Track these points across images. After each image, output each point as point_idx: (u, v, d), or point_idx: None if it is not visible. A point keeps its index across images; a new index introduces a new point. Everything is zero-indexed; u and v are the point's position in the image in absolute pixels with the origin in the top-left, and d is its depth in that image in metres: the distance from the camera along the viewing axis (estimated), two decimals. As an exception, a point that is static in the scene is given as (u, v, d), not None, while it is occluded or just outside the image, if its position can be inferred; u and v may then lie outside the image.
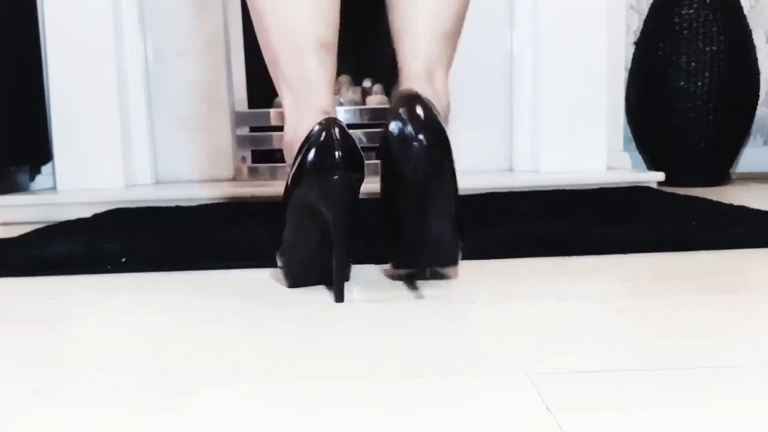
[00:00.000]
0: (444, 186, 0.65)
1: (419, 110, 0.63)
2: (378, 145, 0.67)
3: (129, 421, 0.40)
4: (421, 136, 0.62)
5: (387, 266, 0.80)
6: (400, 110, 0.63)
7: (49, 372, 0.49)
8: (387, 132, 0.64)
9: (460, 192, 0.68)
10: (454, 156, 0.65)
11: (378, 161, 0.68)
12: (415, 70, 0.70)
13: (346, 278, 0.72)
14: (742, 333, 0.52)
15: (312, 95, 0.69)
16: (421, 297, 0.66)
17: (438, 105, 0.67)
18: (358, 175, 0.64)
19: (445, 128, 0.65)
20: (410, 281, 0.73)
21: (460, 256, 0.70)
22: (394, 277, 0.75)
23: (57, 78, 1.51)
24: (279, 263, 0.72)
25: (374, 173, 1.38)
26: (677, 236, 0.88)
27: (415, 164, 0.62)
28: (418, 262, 0.69)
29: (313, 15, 0.69)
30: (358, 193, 0.66)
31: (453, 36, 0.73)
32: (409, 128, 0.62)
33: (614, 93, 1.66)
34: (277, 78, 0.72)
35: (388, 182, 0.68)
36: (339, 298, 0.65)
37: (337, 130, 0.64)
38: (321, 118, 0.66)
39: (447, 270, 0.75)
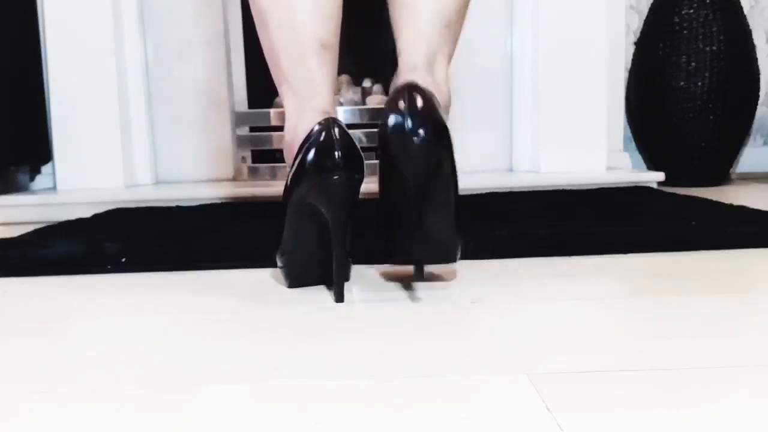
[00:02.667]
0: (444, 181, 0.64)
1: (419, 102, 0.62)
2: (377, 140, 0.66)
3: (129, 421, 0.40)
4: (420, 131, 0.61)
5: (386, 267, 0.80)
6: (399, 102, 0.62)
7: (49, 372, 0.49)
8: (385, 125, 0.63)
9: (460, 192, 0.68)
10: (455, 152, 0.64)
11: (377, 160, 0.68)
12: (415, 59, 0.68)
13: (346, 278, 0.72)
14: (742, 333, 0.52)
15: (312, 95, 0.69)
16: (420, 297, 0.66)
17: (438, 95, 0.66)
18: (358, 175, 0.64)
19: (446, 120, 0.64)
20: (408, 283, 0.73)
21: (459, 254, 0.69)
22: (392, 278, 0.75)
23: (57, 78, 1.51)
24: (279, 263, 0.72)
25: (374, 173, 1.38)
26: (677, 236, 0.87)
27: (414, 159, 0.61)
28: (416, 257, 0.67)
29: (314, 15, 0.69)
30: (358, 193, 0.66)
31: (454, 26, 0.71)
32: (409, 122, 0.61)
33: (614, 93, 1.66)
34: (278, 77, 0.72)
35: (386, 176, 0.67)
36: (339, 298, 0.65)
37: (336, 130, 0.64)
38: (321, 118, 0.65)
39: (445, 272, 0.75)
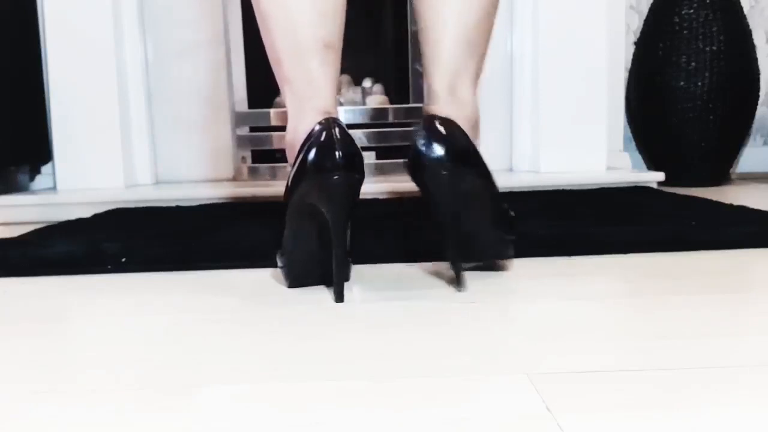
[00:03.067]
0: (478, 198, 0.67)
1: (440, 132, 0.64)
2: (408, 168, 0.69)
3: (129, 421, 0.40)
4: (444, 161, 0.64)
5: (387, 266, 0.80)
6: (422, 135, 0.65)
7: (49, 372, 0.49)
8: (412, 156, 0.66)
9: None
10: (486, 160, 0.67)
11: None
12: (437, 85, 0.71)
13: (346, 278, 0.72)
14: (742, 333, 0.52)
15: (314, 95, 0.69)
16: (420, 297, 0.66)
17: (462, 117, 0.68)
18: (358, 175, 0.65)
19: (474, 137, 0.67)
20: (407, 283, 0.73)
21: (510, 250, 0.73)
22: (392, 278, 0.75)
23: (57, 78, 1.51)
24: (279, 263, 0.72)
25: (374, 173, 1.38)
26: (677, 236, 0.88)
27: (443, 189, 0.64)
28: (465, 259, 0.70)
29: (316, 15, 0.69)
30: (358, 193, 0.66)
31: (478, 45, 0.73)
32: (432, 153, 0.64)
33: (614, 93, 1.66)
34: (280, 77, 0.72)
35: (422, 199, 0.69)
36: (339, 298, 0.65)
37: (337, 130, 0.64)
38: (322, 118, 0.66)
39: (500, 262, 0.76)
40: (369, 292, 0.69)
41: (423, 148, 0.65)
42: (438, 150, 0.64)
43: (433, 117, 0.66)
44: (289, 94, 0.71)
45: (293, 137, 0.69)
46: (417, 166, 0.65)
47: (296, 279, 0.71)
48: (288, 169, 0.69)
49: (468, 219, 0.67)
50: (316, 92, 0.69)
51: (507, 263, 0.76)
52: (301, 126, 0.67)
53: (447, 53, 0.71)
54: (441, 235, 0.68)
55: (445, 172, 0.64)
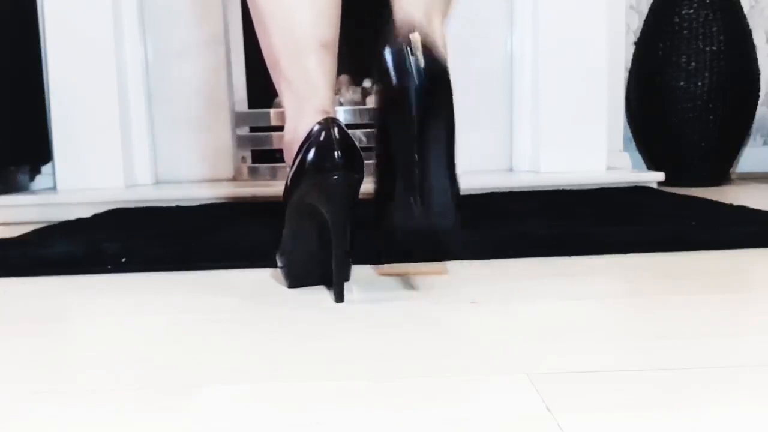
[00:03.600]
0: (442, 119, 0.62)
1: (418, 41, 0.60)
2: (375, 75, 0.64)
3: (129, 421, 0.40)
4: (422, 65, 0.60)
5: (380, 266, 0.80)
6: (399, 39, 0.60)
7: (49, 372, 0.49)
8: (384, 59, 0.61)
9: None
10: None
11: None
12: (413, 16, 0.66)
13: (346, 278, 0.72)
14: (742, 333, 0.52)
15: (311, 95, 0.69)
16: (420, 297, 0.66)
17: (442, 45, 0.64)
18: (357, 175, 0.64)
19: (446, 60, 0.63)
20: (408, 283, 0.73)
21: (459, 248, 0.69)
22: (392, 278, 0.75)
23: (57, 78, 1.51)
24: (279, 263, 0.72)
25: (373, 173, 1.36)
26: (677, 236, 0.87)
27: (414, 94, 0.60)
28: (412, 248, 0.66)
29: (313, 15, 0.69)
30: (358, 193, 0.66)
31: None
32: (410, 58, 0.60)
33: (614, 93, 1.66)
34: (277, 78, 0.72)
35: (386, 117, 0.65)
36: (339, 298, 0.65)
37: (336, 129, 0.64)
38: (321, 117, 0.65)
39: (436, 267, 0.74)
40: (369, 292, 0.69)
41: (401, 54, 0.59)
42: (419, 57, 0.60)
43: (414, 27, 0.61)
44: (287, 94, 0.71)
45: (292, 137, 0.69)
46: (393, 70, 0.60)
47: (296, 279, 0.71)
48: (287, 170, 0.69)
49: (432, 151, 0.62)
50: (313, 92, 0.69)
51: (442, 268, 0.73)
52: (300, 126, 0.67)
53: None
54: (396, 185, 0.62)
55: (423, 84, 0.60)
